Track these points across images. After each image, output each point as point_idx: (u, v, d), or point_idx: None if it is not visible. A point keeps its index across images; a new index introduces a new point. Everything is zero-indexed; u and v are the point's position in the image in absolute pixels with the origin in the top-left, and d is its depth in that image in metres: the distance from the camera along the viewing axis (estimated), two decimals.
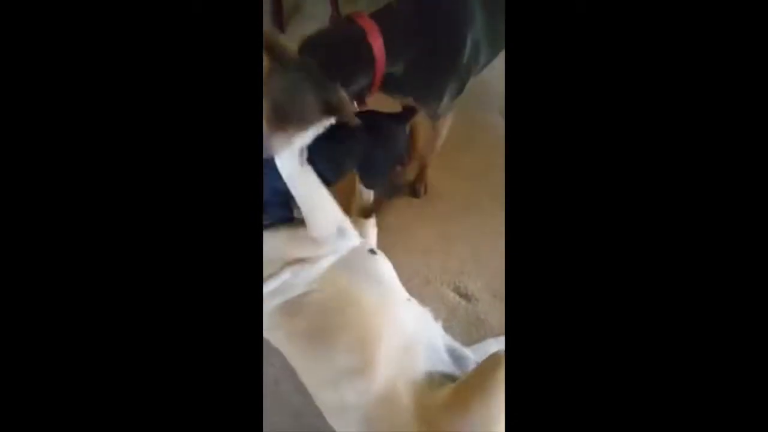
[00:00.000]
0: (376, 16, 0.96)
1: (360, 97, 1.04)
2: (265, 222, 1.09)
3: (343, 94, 0.90)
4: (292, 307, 0.96)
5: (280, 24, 1.78)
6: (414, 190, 1.43)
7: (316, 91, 0.89)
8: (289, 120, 0.93)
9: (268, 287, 0.95)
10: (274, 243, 0.97)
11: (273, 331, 1.00)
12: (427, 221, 1.41)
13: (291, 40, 0.94)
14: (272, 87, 0.91)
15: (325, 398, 0.93)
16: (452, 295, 1.28)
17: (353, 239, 1.00)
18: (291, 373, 0.99)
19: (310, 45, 0.93)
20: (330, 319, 0.93)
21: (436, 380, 0.91)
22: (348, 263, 1.00)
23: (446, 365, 0.96)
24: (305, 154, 0.95)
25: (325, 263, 0.97)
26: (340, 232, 0.97)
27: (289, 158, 0.91)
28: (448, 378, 0.93)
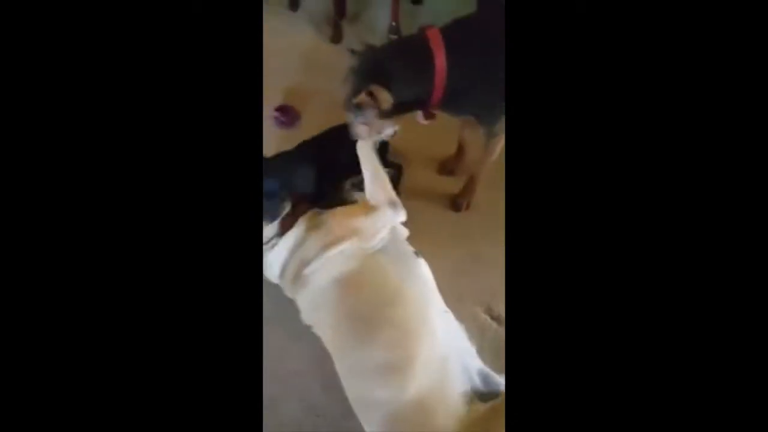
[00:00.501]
0: (444, 29, 1.01)
1: (423, 106, 1.06)
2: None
3: (378, 89, 0.98)
4: (341, 289, 0.97)
5: (342, 11, 1.79)
6: (456, 203, 1.40)
7: (357, 81, 1.00)
8: (347, 105, 1.05)
9: (328, 253, 0.99)
10: (335, 217, 1.08)
11: (315, 312, 1.00)
12: (461, 236, 1.38)
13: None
14: None
15: (356, 389, 0.91)
16: (483, 317, 1.24)
17: (401, 214, 1.13)
18: (314, 366, 0.96)
19: (381, 46, 1.05)
20: (376, 309, 0.93)
21: (470, 398, 0.87)
22: (397, 256, 1.04)
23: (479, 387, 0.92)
24: (377, 145, 1.19)
25: (381, 237, 1.05)
26: (392, 205, 1.10)
27: (369, 145, 1.16)
28: (478, 396, 0.90)
